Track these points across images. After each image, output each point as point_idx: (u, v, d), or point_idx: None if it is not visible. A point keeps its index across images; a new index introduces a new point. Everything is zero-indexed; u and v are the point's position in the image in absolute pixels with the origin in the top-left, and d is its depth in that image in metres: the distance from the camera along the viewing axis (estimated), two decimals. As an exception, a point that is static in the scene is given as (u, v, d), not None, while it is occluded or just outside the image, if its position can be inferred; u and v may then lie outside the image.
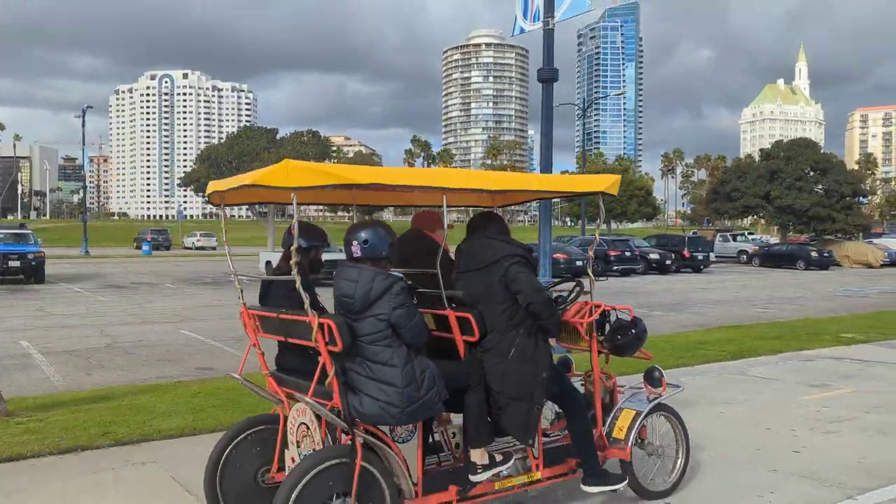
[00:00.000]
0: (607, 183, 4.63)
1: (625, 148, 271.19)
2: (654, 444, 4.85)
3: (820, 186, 45.77)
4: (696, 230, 58.42)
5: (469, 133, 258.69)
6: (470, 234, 4.35)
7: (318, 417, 3.58)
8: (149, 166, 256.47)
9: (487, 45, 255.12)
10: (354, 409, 3.51)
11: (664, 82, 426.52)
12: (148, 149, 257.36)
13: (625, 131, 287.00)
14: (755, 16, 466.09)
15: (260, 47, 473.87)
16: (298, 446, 3.73)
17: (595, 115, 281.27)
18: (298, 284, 3.50)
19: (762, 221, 56.61)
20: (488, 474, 3.90)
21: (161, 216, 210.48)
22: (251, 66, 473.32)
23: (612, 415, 4.69)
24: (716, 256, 44.43)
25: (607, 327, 4.69)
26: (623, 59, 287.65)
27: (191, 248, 60.85)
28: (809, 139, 52.82)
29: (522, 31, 12.32)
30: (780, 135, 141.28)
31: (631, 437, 4.55)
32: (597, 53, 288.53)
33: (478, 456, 3.92)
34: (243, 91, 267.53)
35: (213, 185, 4.19)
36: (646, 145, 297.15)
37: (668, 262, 34.41)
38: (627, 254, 32.93)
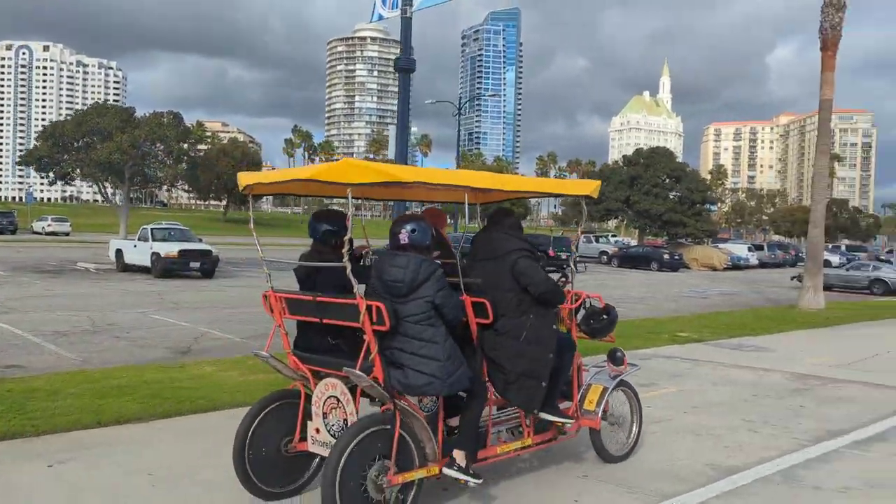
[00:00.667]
0: (591, 188, 5.25)
1: (504, 149, 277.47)
2: (616, 416, 5.52)
3: (674, 193, 48.53)
4: (562, 231, 60.84)
5: (353, 126, 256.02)
6: (487, 227, 4.86)
7: (352, 390, 4.03)
8: (0, 144, 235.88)
9: (373, 38, 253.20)
10: (398, 381, 3.91)
11: (543, 88, 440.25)
12: (0, 125, 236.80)
13: (504, 133, 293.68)
14: (625, 32, 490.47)
15: (135, 24, 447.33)
16: (325, 418, 4.15)
17: (476, 115, 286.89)
18: (349, 271, 3.88)
19: (624, 224, 59.41)
20: (459, 476, 4.18)
21: (14, 198, 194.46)
22: (124, 43, 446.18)
23: (581, 390, 5.23)
24: (580, 257, 46.14)
25: (581, 313, 5.30)
26: (504, 62, 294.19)
27: (40, 233, 56.31)
28: (667, 148, 55.92)
29: (381, 17, 12.03)
30: (644, 144, 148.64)
31: (600, 410, 5.16)
32: (480, 55, 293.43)
33: (460, 457, 4.23)
34: (111, 69, 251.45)
35: (254, 177, 4.47)
36: (525, 148, 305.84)
37: (534, 261, 35.29)
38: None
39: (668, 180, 48.69)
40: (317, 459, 4.52)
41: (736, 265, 44.26)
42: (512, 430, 4.83)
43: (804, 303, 19.12)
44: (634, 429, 5.66)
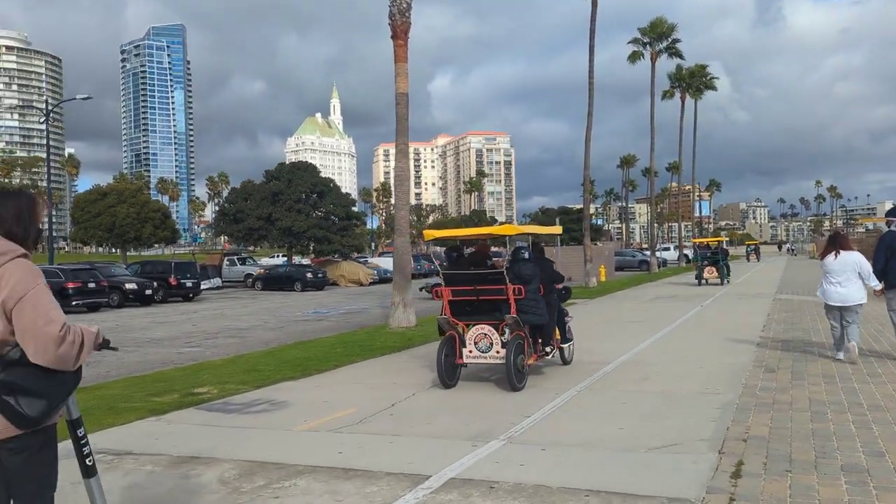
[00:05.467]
0: (559, 230, 14.70)
1: (177, 171, 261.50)
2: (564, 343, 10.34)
3: (319, 210, 46.08)
4: (193, 254, 56.01)
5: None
6: (533, 250, 9.95)
7: (496, 328, 8.71)
8: None
9: (9, 48, 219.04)
10: (524, 320, 8.67)
11: (221, 109, 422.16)
12: None
13: (177, 155, 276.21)
14: (300, 58, 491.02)
15: None
16: (476, 344, 8.79)
17: (144, 136, 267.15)
18: (505, 273, 8.67)
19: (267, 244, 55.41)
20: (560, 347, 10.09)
21: None
22: None
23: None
24: (223, 281, 41.35)
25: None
26: (171, 81, 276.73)
27: None
28: (310, 163, 53.23)
29: None
30: (319, 163, 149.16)
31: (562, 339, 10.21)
32: (143, 72, 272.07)
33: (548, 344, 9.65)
34: None
35: (448, 233, 10.93)
36: (203, 170, 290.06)
37: (148, 291, 29.60)
38: (92, 285, 27.19)
39: (314, 196, 45.93)
40: (460, 369, 9.13)
41: (384, 279, 42.97)
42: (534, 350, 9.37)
43: (394, 321, 16.31)
44: (572, 347, 10.45)
